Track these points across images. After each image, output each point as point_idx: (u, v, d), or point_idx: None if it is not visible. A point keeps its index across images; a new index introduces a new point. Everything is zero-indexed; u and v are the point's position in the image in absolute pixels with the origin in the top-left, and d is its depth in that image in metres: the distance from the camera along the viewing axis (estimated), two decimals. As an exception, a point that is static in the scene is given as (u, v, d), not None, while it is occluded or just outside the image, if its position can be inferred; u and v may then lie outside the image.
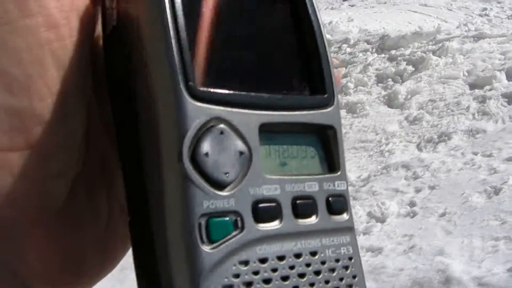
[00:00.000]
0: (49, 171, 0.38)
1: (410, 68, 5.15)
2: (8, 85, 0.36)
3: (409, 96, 4.74)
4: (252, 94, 0.40)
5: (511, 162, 3.55)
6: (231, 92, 0.39)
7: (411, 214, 3.28)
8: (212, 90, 0.38)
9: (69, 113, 0.39)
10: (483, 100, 4.33)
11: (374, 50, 5.73)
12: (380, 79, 5.18)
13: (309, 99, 0.43)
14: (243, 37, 0.42)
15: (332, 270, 0.40)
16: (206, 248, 0.36)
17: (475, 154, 3.73)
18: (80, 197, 0.41)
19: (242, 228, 0.37)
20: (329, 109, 0.43)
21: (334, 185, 0.42)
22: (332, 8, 8.22)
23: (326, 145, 0.43)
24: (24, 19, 0.36)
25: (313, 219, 0.40)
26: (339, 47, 5.99)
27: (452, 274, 2.60)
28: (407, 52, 5.40)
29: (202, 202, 0.36)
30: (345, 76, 5.39)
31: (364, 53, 5.72)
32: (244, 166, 0.38)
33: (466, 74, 4.76)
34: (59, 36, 0.37)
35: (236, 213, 0.37)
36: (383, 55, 5.55)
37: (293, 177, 0.40)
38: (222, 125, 0.38)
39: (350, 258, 0.42)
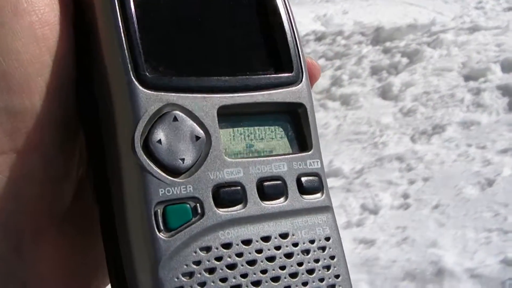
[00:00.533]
0: (54, 173, 0.38)
1: (405, 60, 5.12)
2: (8, 87, 0.35)
3: (403, 88, 4.72)
4: (208, 77, 0.39)
5: (505, 154, 3.54)
6: (185, 77, 0.38)
7: (405, 206, 3.27)
8: (163, 77, 0.37)
9: (70, 109, 0.38)
10: (477, 92, 4.31)
11: (368, 42, 5.71)
12: (375, 71, 5.16)
13: (274, 78, 0.42)
14: (197, 20, 0.40)
15: (306, 251, 0.40)
16: (163, 236, 0.35)
17: (469, 146, 3.72)
18: (86, 200, 0.41)
19: (202, 214, 0.36)
20: (297, 87, 0.42)
21: (305, 164, 0.41)
22: (327, 1, 8.19)
23: (297, 124, 0.43)
24: (18, 18, 0.36)
25: (281, 201, 0.40)
26: (333, 39, 5.97)
27: (445, 265, 2.59)
28: (402, 44, 5.38)
29: (157, 190, 0.35)
30: (339, 68, 5.37)
31: (358, 45, 5.70)
32: (202, 151, 0.37)
33: (461, 66, 4.74)
34: (54, 32, 0.37)
35: (195, 199, 0.36)
36: (377, 47, 5.53)
37: (259, 159, 0.40)
38: (175, 111, 0.37)
39: (327, 238, 0.41)
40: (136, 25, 0.36)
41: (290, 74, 0.42)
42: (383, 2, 7.50)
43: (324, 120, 4.66)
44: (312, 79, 0.46)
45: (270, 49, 0.42)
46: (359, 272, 2.73)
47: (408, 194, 3.36)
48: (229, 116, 0.40)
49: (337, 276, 0.41)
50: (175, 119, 0.37)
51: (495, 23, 5.40)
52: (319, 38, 6.13)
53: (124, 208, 0.36)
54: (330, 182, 3.74)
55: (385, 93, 4.77)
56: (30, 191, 0.37)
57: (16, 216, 0.36)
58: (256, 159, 0.40)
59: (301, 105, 0.42)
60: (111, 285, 0.38)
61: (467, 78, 4.58)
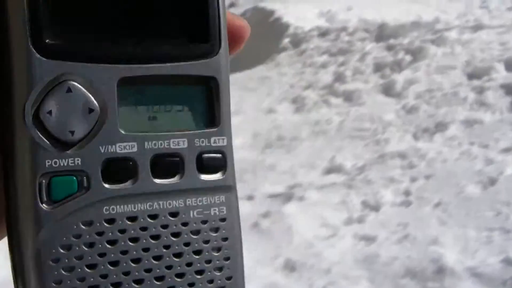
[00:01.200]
0: None
1: (408, 57, 5.11)
2: None
3: (406, 85, 4.71)
4: (110, 46, 0.37)
5: (507, 153, 3.53)
6: (85, 45, 0.37)
7: (406, 204, 3.26)
8: (62, 44, 0.36)
9: None
10: (481, 90, 4.30)
11: (372, 38, 5.69)
12: (378, 67, 5.15)
13: (186, 49, 0.40)
14: None
15: (196, 232, 0.39)
16: (45, 207, 0.35)
17: (472, 144, 3.71)
18: None
19: (88, 188, 0.36)
20: (211, 59, 0.40)
21: (209, 141, 0.40)
22: (331, -3, 8.18)
23: (207, 99, 0.41)
24: None
25: (176, 179, 0.39)
26: (337, 36, 5.96)
27: (446, 264, 2.58)
28: (406, 41, 5.37)
29: (44, 161, 0.35)
30: (342, 64, 5.36)
31: (362, 41, 5.69)
32: (96, 124, 0.36)
33: (465, 64, 4.73)
34: None
35: (82, 172, 0.36)
36: (381, 44, 5.53)
37: (157, 134, 0.39)
38: (71, 82, 0.36)
39: (223, 219, 0.40)
40: None
41: (205, 45, 0.41)
42: (387, -1, 7.49)
43: (327, 116, 4.65)
44: (239, 41, 0.44)
45: (185, 17, 0.40)
46: (359, 269, 2.73)
47: (410, 191, 3.36)
48: (132, 89, 0.38)
49: (226, 259, 0.40)
50: (69, 90, 0.36)
51: (499, 22, 5.39)
52: (323, 34, 6.12)
53: (14, 178, 0.35)
54: (332, 178, 3.73)
55: (388, 90, 4.76)
56: None
57: None
58: (154, 133, 0.39)
59: (213, 79, 0.41)
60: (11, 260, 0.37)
61: (471, 76, 4.57)
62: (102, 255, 0.36)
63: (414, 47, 5.20)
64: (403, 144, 3.94)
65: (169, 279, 0.38)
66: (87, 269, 0.35)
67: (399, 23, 5.75)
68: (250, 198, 3.61)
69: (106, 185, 0.37)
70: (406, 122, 4.21)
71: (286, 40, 6.29)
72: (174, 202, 0.39)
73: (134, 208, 0.37)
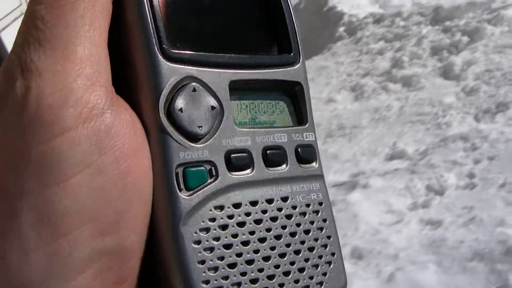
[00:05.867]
0: None
1: (465, 38, 5.06)
2: (100, 227, 0.36)
3: (465, 67, 4.67)
4: (222, 54, 0.43)
5: None
6: (202, 53, 0.42)
7: (471, 186, 3.25)
8: (184, 51, 0.42)
9: None
10: (541, 67, 4.24)
11: (428, 22, 5.64)
12: (435, 51, 5.12)
13: (276, 58, 0.47)
14: (213, 4, 0.45)
15: (303, 214, 0.44)
16: (184, 194, 0.39)
17: (535, 122, 3.68)
18: None
19: (217, 176, 0.41)
20: (295, 67, 0.47)
21: (302, 136, 0.46)
22: (384, -18, 8.11)
23: (294, 101, 0.47)
24: (102, 157, 0.37)
25: (283, 167, 0.44)
26: (392, 21, 5.92)
27: (514, 244, 2.57)
28: (462, 22, 5.31)
29: (178, 153, 0.39)
30: (399, 49, 5.34)
31: (418, 25, 5.64)
32: (216, 120, 0.41)
33: (523, 42, 4.66)
34: (136, 164, 0.38)
35: (210, 162, 0.41)
36: (437, 27, 5.47)
37: (263, 130, 0.44)
38: (194, 83, 0.41)
39: (320, 203, 0.46)
40: (159, 8, 0.41)
41: (290, 55, 0.47)
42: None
43: (386, 102, 4.65)
44: None
45: (274, 34, 0.48)
46: (426, 253, 2.74)
47: (473, 173, 3.35)
48: (237, 90, 0.44)
49: (328, 237, 0.45)
50: (194, 90, 0.41)
51: (558, -4, 5.28)
52: (378, 20, 6.10)
53: (150, 177, 0.40)
54: (395, 164, 3.75)
55: (446, 73, 4.73)
56: None
57: None
58: (260, 129, 0.44)
59: (298, 84, 0.47)
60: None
61: (530, 54, 4.51)
62: (234, 236, 0.40)
63: (470, 28, 5.15)
64: (465, 126, 3.92)
65: (290, 256, 0.42)
66: (224, 249, 0.40)
67: (454, 4, 5.69)
68: (314, 188, 3.65)
69: (230, 174, 0.41)
70: (467, 104, 4.19)
71: (341, 29, 6.28)
72: (283, 188, 0.43)
73: (254, 193, 0.42)
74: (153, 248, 0.39)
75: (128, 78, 0.41)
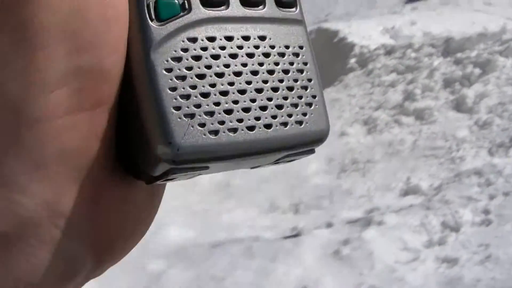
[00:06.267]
0: (113, 129, 0.40)
1: (477, 70, 5.08)
2: (76, 46, 0.37)
3: (477, 100, 4.69)
4: None
5: None
6: None
7: (486, 222, 3.25)
8: None
9: None
10: (554, 100, 4.25)
11: (439, 53, 5.67)
12: (447, 83, 5.14)
13: None
14: None
15: (282, 54, 0.44)
16: (154, 24, 0.40)
17: (549, 157, 3.68)
18: None
19: (190, 10, 0.41)
20: None
21: None
22: (394, 12, 8.17)
23: None
24: None
25: (260, 8, 0.44)
26: (404, 53, 5.95)
27: (531, 284, 2.57)
28: (473, 54, 5.34)
29: None
30: (411, 82, 5.36)
31: (429, 57, 5.67)
32: None
33: (536, 74, 4.68)
34: None
35: None
36: (448, 59, 5.50)
37: None
38: None
39: (301, 47, 0.45)
40: None
41: None
42: (450, 10, 7.44)
43: (399, 136, 4.66)
44: None
45: None
46: (443, 292, 2.74)
47: (489, 209, 3.35)
48: None
49: (309, 80, 0.45)
50: None
51: None
52: (389, 52, 6.13)
53: (127, 2, 0.40)
54: (409, 200, 3.75)
55: (459, 106, 4.75)
56: (98, 147, 0.39)
57: (80, 171, 0.39)
58: None
59: None
60: None
61: (543, 86, 4.52)
62: (208, 67, 0.40)
63: (482, 59, 5.17)
64: (479, 160, 3.92)
65: (267, 92, 0.42)
66: (197, 79, 0.40)
67: (465, 35, 5.72)
68: (329, 225, 3.66)
69: (204, 9, 0.41)
70: (480, 138, 4.20)
71: (352, 61, 6.32)
72: (260, 27, 0.43)
73: (230, 29, 0.42)
74: (128, 78, 0.40)
75: None
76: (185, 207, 4.42)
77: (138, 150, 0.41)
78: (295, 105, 0.43)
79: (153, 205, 0.44)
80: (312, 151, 0.45)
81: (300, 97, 0.43)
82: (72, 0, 0.36)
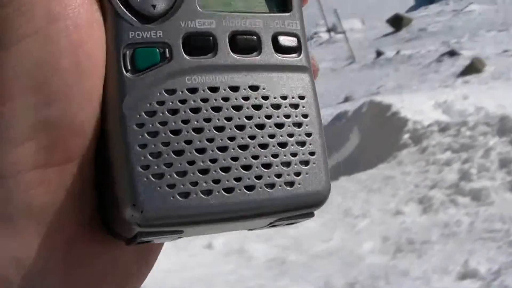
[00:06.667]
0: (86, 185, 0.38)
1: (534, 151, 5.06)
2: (46, 97, 0.35)
3: (535, 182, 4.65)
4: None
5: None
6: None
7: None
8: None
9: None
10: None
11: (494, 132, 5.67)
12: (503, 163, 5.12)
13: None
14: None
15: (277, 106, 0.40)
16: (129, 75, 0.37)
17: None
18: None
19: (170, 59, 0.38)
20: None
21: (283, 24, 0.42)
22: (445, 86, 8.20)
23: None
24: (51, 24, 0.35)
25: (254, 55, 0.40)
26: (458, 130, 5.96)
27: None
28: (529, 134, 5.33)
29: (128, 33, 0.37)
30: (466, 161, 5.36)
31: (484, 136, 5.66)
32: (174, 0, 0.39)
33: None
34: (90, 35, 0.36)
35: (164, 44, 0.38)
36: (504, 139, 5.49)
37: (234, 13, 0.40)
38: None
39: (302, 97, 0.41)
40: None
41: None
42: (502, 84, 7.44)
43: (456, 217, 4.63)
44: None
45: None
46: None
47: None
48: None
49: (308, 135, 0.41)
50: None
51: None
52: (443, 129, 6.12)
53: (105, 52, 0.38)
54: (467, 284, 3.72)
55: (516, 187, 4.73)
56: (70, 203, 0.36)
57: (51, 228, 0.36)
58: (231, 13, 0.40)
59: None
60: None
61: None
62: (185, 122, 0.37)
63: (539, 140, 5.16)
64: (538, 245, 3.89)
65: (253, 148, 0.39)
66: (171, 135, 0.37)
67: (520, 114, 5.71)
68: (386, 308, 3.64)
69: (187, 57, 0.38)
70: (540, 221, 4.16)
71: (406, 136, 6.32)
72: (253, 76, 0.40)
73: (215, 79, 0.38)
74: (103, 132, 0.38)
75: None
76: (240, 282, 4.44)
77: (110, 208, 0.38)
78: (287, 164, 0.39)
79: (142, 266, 0.42)
80: (310, 215, 0.41)
81: (294, 155, 0.40)
82: (41, 47, 0.35)
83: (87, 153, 0.37)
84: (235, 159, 0.38)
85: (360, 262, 4.42)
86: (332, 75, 15.84)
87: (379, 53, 14.94)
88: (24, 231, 0.35)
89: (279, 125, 0.40)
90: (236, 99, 0.39)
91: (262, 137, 0.39)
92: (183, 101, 0.37)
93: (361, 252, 4.56)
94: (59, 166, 0.35)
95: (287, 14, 0.42)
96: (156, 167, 0.36)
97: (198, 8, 0.39)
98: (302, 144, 0.40)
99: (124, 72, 0.37)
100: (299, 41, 0.42)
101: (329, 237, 4.88)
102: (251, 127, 0.39)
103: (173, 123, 0.37)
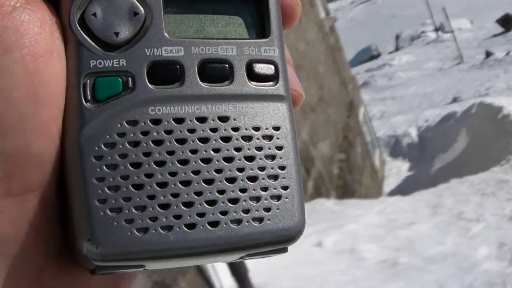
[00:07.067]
0: (49, 215, 0.36)
1: None
2: (1, 130, 0.34)
3: None
4: None
5: None
6: None
7: None
8: None
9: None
10: None
11: None
12: None
13: None
14: None
15: (248, 138, 0.38)
16: (89, 105, 0.35)
17: None
18: None
19: (133, 89, 0.36)
20: None
21: (259, 51, 0.40)
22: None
23: (255, 12, 0.41)
24: (7, 54, 0.34)
25: (225, 84, 0.38)
26: None
27: None
28: None
29: (89, 61, 0.36)
30: None
31: None
32: (140, 28, 0.37)
33: None
34: (47, 64, 0.35)
35: (127, 73, 0.36)
36: None
37: (205, 40, 0.39)
38: None
39: (277, 128, 0.39)
40: None
41: None
42: None
43: None
44: (291, 21, 0.43)
45: None
46: None
47: None
48: (180, 0, 0.39)
49: (282, 168, 0.39)
50: None
51: None
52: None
53: (64, 81, 0.36)
54: None
55: None
56: (33, 233, 0.35)
57: (16, 259, 0.35)
58: (201, 40, 0.38)
59: None
60: None
61: None
62: (147, 154, 0.36)
63: None
64: None
65: (219, 183, 0.37)
66: (131, 168, 0.35)
67: None
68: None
69: (152, 86, 0.36)
70: None
71: (519, 140, 6.19)
72: (223, 106, 0.38)
73: (181, 110, 0.37)
74: (61, 154, 0.36)
75: None
76: (352, 283, 4.48)
77: (70, 240, 0.37)
78: (256, 199, 0.38)
79: None
80: (283, 250, 0.40)
81: (264, 189, 0.38)
82: None
83: (48, 183, 0.36)
84: (198, 193, 0.37)
85: (475, 268, 4.38)
86: (440, 75, 15.56)
87: (488, 54, 14.62)
88: None
89: (250, 158, 0.38)
90: (203, 130, 0.37)
91: (230, 170, 0.37)
92: (145, 133, 0.36)
93: (476, 257, 4.51)
94: (19, 196, 0.35)
95: (264, 40, 0.40)
96: (113, 201, 0.35)
97: (166, 34, 0.38)
98: (275, 177, 0.39)
99: (84, 102, 0.35)
100: (276, 68, 0.40)
101: (442, 241, 4.85)
102: (218, 160, 0.37)
103: (134, 156, 0.36)
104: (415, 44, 23.67)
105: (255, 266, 4.49)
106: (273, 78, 0.40)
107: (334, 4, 37.64)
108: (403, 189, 10.28)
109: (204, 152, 0.37)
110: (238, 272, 4.37)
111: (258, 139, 0.38)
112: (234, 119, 0.38)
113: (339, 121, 9.95)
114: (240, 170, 0.37)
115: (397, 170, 12.91)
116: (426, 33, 22.81)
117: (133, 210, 0.35)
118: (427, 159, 12.04)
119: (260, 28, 0.40)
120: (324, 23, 11.24)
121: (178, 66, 0.37)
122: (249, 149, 0.38)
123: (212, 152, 0.37)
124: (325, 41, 10.93)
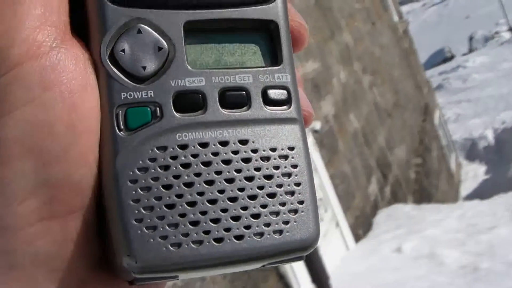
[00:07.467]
0: (90, 233, 0.39)
1: None
2: (43, 160, 0.36)
3: None
4: None
5: None
6: None
7: None
8: None
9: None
10: None
11: None
12: None
13: None
14: None
15: (266, 158, 0.41)
16: (122, 134, 0.38)
17: None
18: None
19: (161, 117, 0.39)
20: (270, 5, 0.44)
21: (273, 77, 0.43)
22: None
23: (268, 41, 0.44)
24: (46, 92, 0.36)
25: (243, 109, 0.41)
26: None
27: None
28: None
29: (120, 93, 0.39)
30: None
31: None
32: (164, 61, 0.40)
33: None
34: (83, 98, 0.38)
35: (155, 103, 0.39)
36: None
37: (223, 70, 0.42)
38: (140, 24, 0.40)
39: (291, 148, 0.42)
40: None
41: None
42: None
43: None
44: (300, 44, 0.47)
45: None
46: None
47: None
48: (198, 32, 0.42)
49: (297, 184, 0.42)
50: (139, 31, 0.40)
51: None
52: None
53: (99, 113, 0.39)
54: None
55: None
56: (76, 250, 0.38)
57: (62, 273, 0.38)
58: (220, 70, 0.42)
59: (272, 22, 0.44)
60: None
61: None
62: (177, 177, 0.39)
63: None
64: None
65: (242, 200, 0.40)
66: (163, 189, 0.38)
67: None
68: None
69: (178, 115, 0.39)
70: None
71: None
72: (243, 130, 0.41)
73: (205, 135, 0.40)
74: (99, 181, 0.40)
75: (84, 22, 0.41)
76: (433, 288, 4.45)
77: (110, 254, 0.40)
78: (276, 213, 0.41)
79: None
80: (300, 258, 0.43)
81: (283, 204, 0.41)
82: (37, 113, 0.36)
83: (88, 206, 0.39)
84: (224, 210, 0.40)
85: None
86: (515, 76, 15.31)
87: None
88: (34, 276, 0.38)
89: (268, 177, 0.41)
90: (225, 153, 0.40)
91: (251, 188, 0.40)
92: (174, 157, 0.39)
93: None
94: (62, 218, 0.38)
95: (277, 67, 0.43)
96: (149, 220, 0.38)
97: (188, 66, 0.41)
98: (291, 193, 0.42)
99: (117, 131, 0.39)
100: (289, 93, 0.43)
101: (524, 245, 4.78)
102: (240, 180, 0.40)
103: (165, 179, 0.39)
104: (489, 44, 23.21)
105: (334, 273, 4.51)
106: (286, 102, 0.43)
107: (405, 7, 37.23)
108: (481, 193, 10.11)
109: (227, 173, 0.40)
110: (319, 278, 4.41)
111: (275, 159, 0.42)
112: (253, 142, 0.41)
113: (414, 125, 9.86)
114: (260, 188, 0.41)
115: (473, 174, 12.70)
116: (500, 33, 22.34)
117: (167, 227, 0.38)
118: (504, 162, 11.81)
119: (273, 55, 0.44)
120: (397, 27, 11.18)
121: (200, 95, 0.41)
122: (267, 168, 0.41)
123: (234, 173, 0.40)
124: (399, 45, 10.86)
